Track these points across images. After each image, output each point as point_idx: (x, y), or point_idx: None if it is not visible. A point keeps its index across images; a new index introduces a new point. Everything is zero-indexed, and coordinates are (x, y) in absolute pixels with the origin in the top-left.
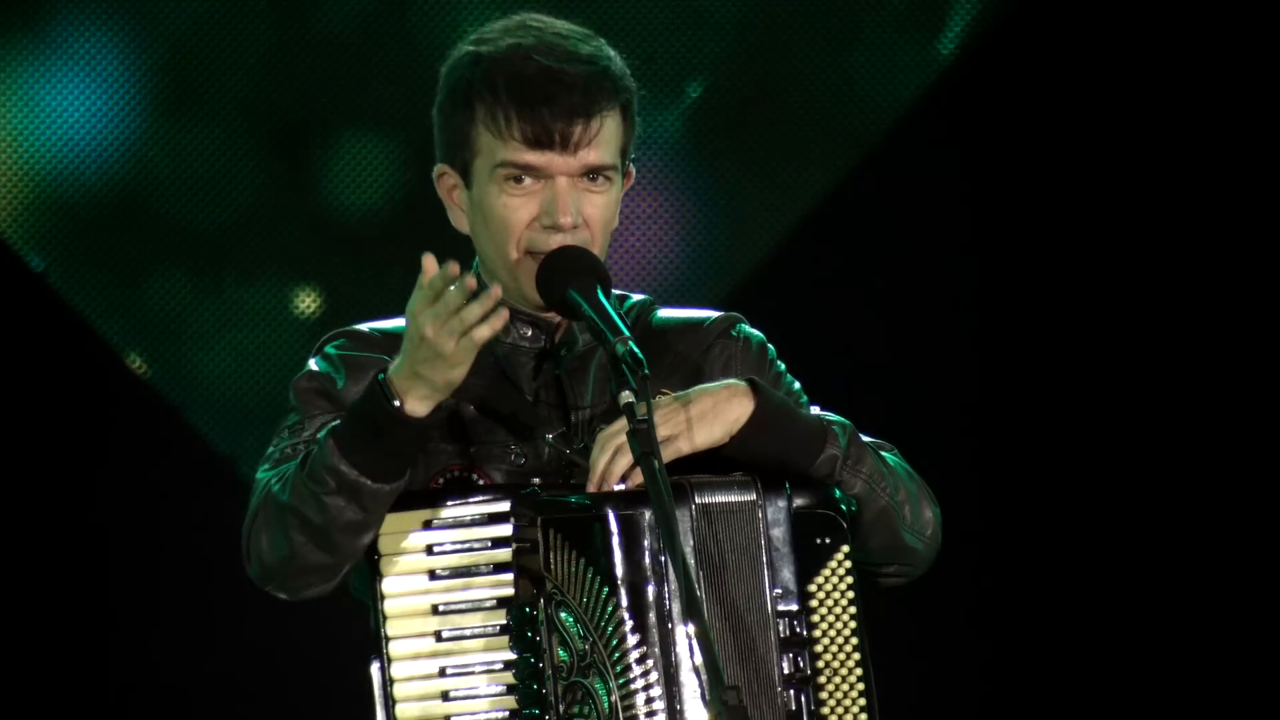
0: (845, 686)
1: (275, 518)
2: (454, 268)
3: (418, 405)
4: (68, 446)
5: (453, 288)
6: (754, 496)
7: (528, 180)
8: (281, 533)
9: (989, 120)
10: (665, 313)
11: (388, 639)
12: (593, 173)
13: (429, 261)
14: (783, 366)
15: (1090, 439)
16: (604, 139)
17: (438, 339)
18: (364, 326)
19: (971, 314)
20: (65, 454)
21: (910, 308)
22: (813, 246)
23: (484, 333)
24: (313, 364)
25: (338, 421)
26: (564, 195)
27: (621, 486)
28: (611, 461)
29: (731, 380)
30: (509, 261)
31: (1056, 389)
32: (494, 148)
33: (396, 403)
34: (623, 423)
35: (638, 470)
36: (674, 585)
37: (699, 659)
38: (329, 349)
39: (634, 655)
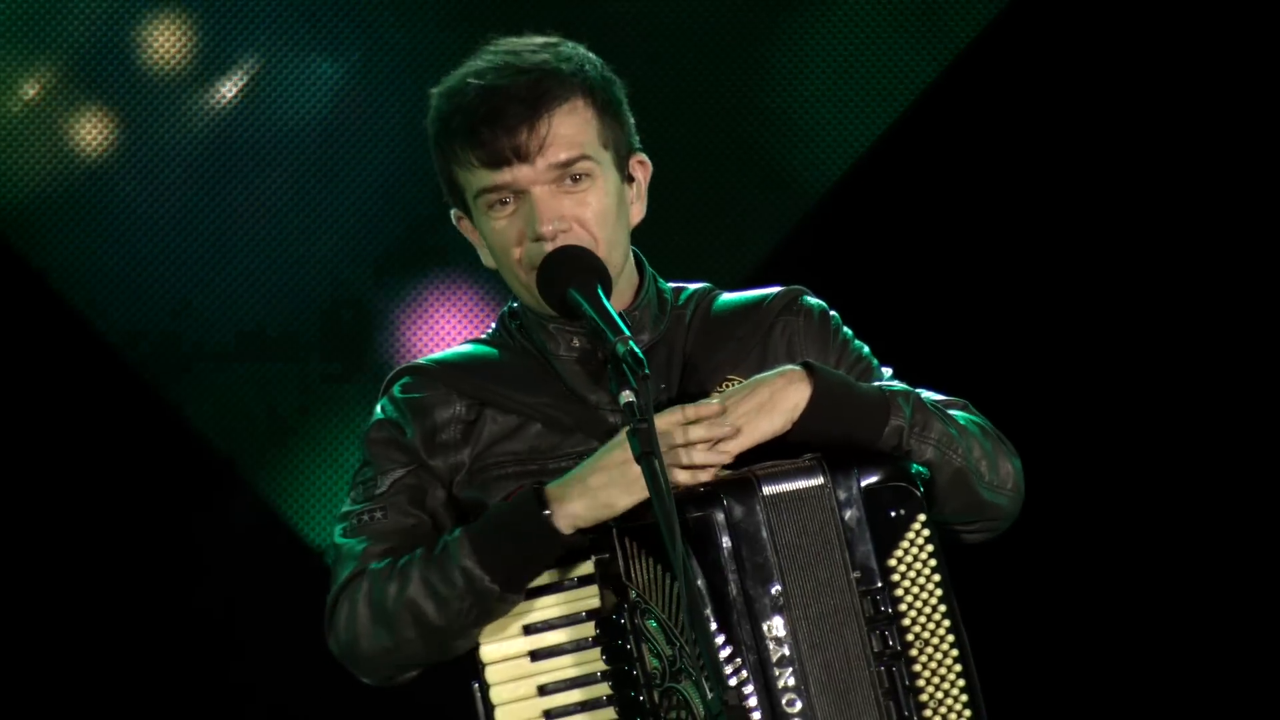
0: (939, 656)
1: (380, 609)
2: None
3: (564, 521)
4: (67, 446)
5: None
6: (822, 480)
7: (509, 201)
8: (386, 626)
9: (990, 119)
10: (726, 297)
11: (484, 664)
12: (565, 171)
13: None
14: (849, 333)
15: (1091, 439)
16: (564, 137)
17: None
18: (424, 360)
19: (971, 314)
20: (64, 454)
21: (909, 308)
22: (811, 247)
23: (681, 477)
24: (380, 410)
25: (469, 525)
26: (541, 204)
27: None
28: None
29: (788, 366)
30: (521, 281)
31: (1057, 390)
32: (468, 180)
33: (547, 512)
34: (672, 417)
35: (707, 469)
36: (755, 579)
37: (789, 651)
38: (395, 391)
39: (722, 655)
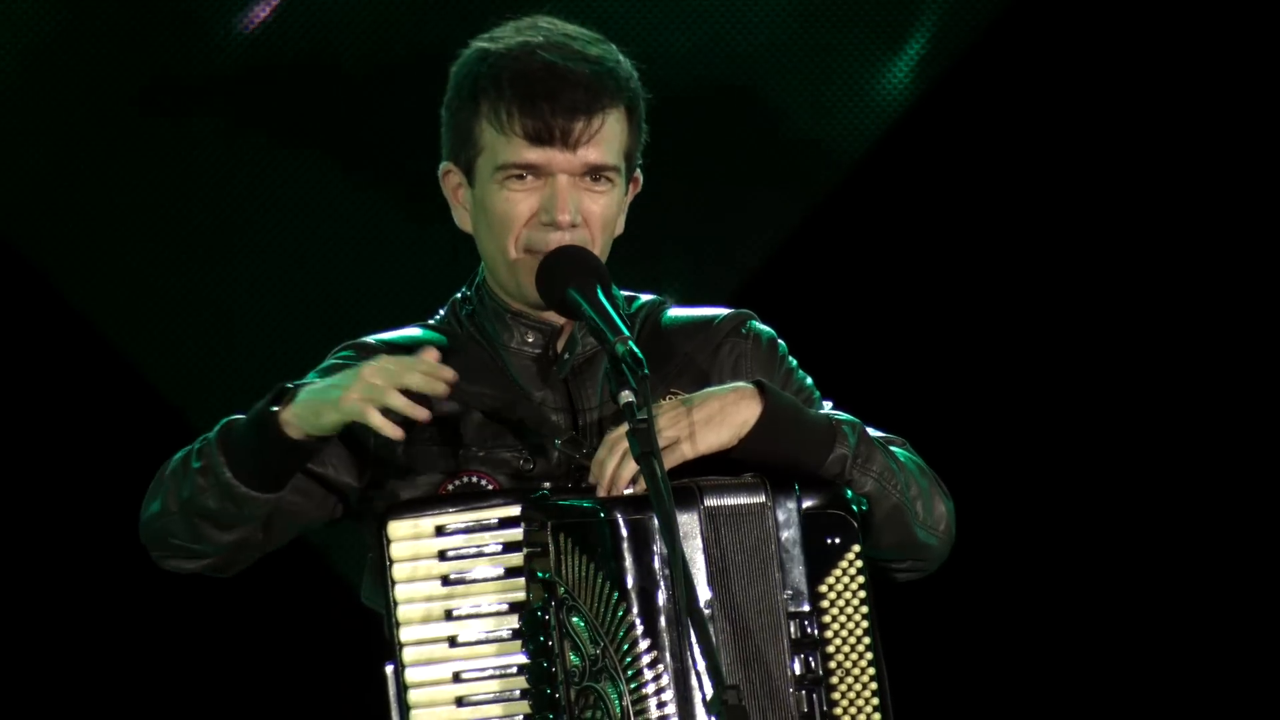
0: (858, 686)
1: (161, 480)
2: (432, 353)
3: (290, 424)
4: (67, 446)
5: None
6: (763, 498)
7: (529, 178)
8: (158, 497)
9: (992, 119)
10: (675, 312)
11: (401, 645)
12: (594, 172)
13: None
14: (794, 363)
15: (1093, 439)
16: (606, 138)
17: (367, 373)
18: (371, 338)
19: (972, 314)
20: (65, 454)
21: (909, 308)
22: (812, 247)
23: (395, 401)
24: (313, 373)
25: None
26: (564, 192)
27: (630, 490)
28: (620, 465)
29: (739, 383)
30: (509, 259)
31: (1058, 390)
32: (496, 145)
33: (275, 409)
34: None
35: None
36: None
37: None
38: (332, 358)
39: (645, 659)
